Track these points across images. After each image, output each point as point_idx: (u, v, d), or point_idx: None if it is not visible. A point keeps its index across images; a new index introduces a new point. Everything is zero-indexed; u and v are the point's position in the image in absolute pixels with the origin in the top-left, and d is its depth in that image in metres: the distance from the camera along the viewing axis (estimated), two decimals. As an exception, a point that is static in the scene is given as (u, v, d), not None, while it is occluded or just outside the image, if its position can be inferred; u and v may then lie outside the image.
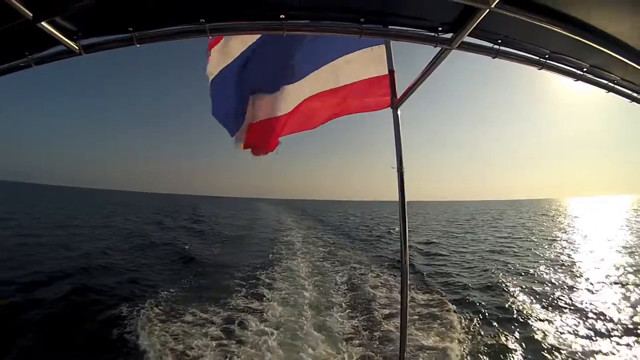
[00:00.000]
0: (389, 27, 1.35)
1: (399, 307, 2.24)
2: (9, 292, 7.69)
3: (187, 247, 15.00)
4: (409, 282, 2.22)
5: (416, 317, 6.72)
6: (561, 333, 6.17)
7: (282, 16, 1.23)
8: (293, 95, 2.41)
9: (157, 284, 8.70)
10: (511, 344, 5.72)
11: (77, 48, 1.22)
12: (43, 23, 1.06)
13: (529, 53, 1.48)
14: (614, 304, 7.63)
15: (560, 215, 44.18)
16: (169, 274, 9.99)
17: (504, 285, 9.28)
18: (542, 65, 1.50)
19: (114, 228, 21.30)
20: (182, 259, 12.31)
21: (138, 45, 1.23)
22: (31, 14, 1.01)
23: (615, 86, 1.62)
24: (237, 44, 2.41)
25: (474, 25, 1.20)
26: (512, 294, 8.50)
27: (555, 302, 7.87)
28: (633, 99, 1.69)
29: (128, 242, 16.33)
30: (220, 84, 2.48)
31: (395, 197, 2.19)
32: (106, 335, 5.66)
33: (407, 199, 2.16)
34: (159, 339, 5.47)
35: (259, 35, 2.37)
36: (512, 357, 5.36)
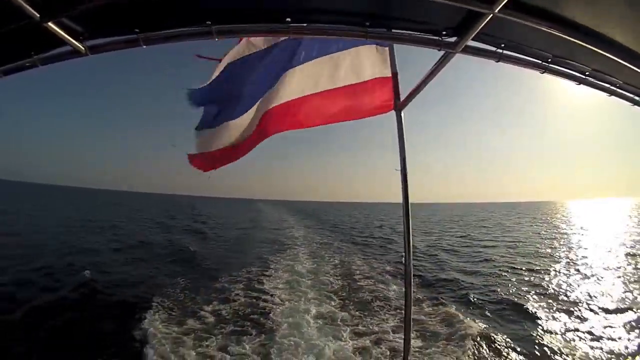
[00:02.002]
0: (394, 30, 1.35)
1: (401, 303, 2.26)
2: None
3: (203, 239, 18.28)
4: (413, 282, 2.23)
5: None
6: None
7: (288, 19, 1.24)
8: (289, 85, 2.28)
9: (185, 267, 11.59)
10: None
11: (83, 49, 1.21)
12: (49, 23, 1.06)
13: (531, 57, 1.48)
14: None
15: (535, 218, 45.29)
16: (195, 261, 12.66)
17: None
18: (544, 69, 1.51)
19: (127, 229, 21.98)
20: (203, 249, 15.04)
21: (144, 47, 1.23)
22: (38, 15, 1.01)
23: (617, 90, 1.62)
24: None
25: (478, 30, 1.20)
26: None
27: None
28: (635, 103, 1.70)
29: (147, 239, 17.70)
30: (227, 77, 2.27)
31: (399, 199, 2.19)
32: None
33: (410, 201, 2.16)
34: (206, 292, 8.47)
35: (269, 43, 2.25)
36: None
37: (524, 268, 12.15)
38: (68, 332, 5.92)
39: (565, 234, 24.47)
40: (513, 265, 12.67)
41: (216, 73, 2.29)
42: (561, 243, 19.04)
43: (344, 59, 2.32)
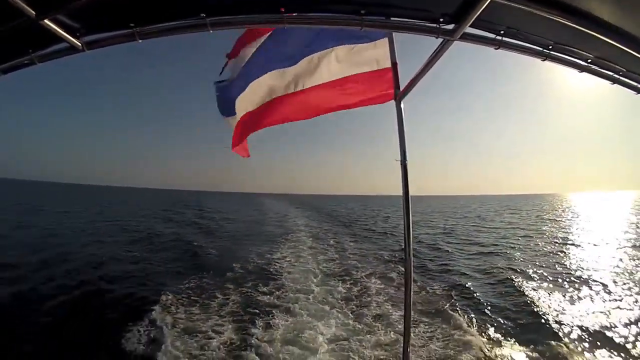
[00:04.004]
0: (390, 18, 1.33)
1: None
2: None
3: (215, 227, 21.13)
4: (413, 274, 2.23)
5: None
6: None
7: (282, 9, 1.23)
8: (286, 81, 2.43)
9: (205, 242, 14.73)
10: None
11: (79, 45, 1.22)
12: (46, 21, 1.07)
13: (532, 44, 1.45)
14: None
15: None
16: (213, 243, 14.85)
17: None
18: (546, 57, 1.48)
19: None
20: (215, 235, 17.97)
21: (140, 41, 1.23)
22: (34, 12, 1.02)
23: (621, 78, 1.58)
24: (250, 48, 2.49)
25: (476, 16, 1.18)
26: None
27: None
28: (639, 91, 1.66)
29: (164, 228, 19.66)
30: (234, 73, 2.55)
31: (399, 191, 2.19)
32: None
33: (410, 192, 2.15)
34: (233, 259, 11.24)
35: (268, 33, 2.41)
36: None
37: (474, 251, 13.75)
38: (86, 313, 6.44)
39: (534, 224, 25.64)
40: (462, 250, 14.15)
41: (236, 65, 2.54)
42: (522, 232, 20.11)
43: (344, 53, 2.38)
